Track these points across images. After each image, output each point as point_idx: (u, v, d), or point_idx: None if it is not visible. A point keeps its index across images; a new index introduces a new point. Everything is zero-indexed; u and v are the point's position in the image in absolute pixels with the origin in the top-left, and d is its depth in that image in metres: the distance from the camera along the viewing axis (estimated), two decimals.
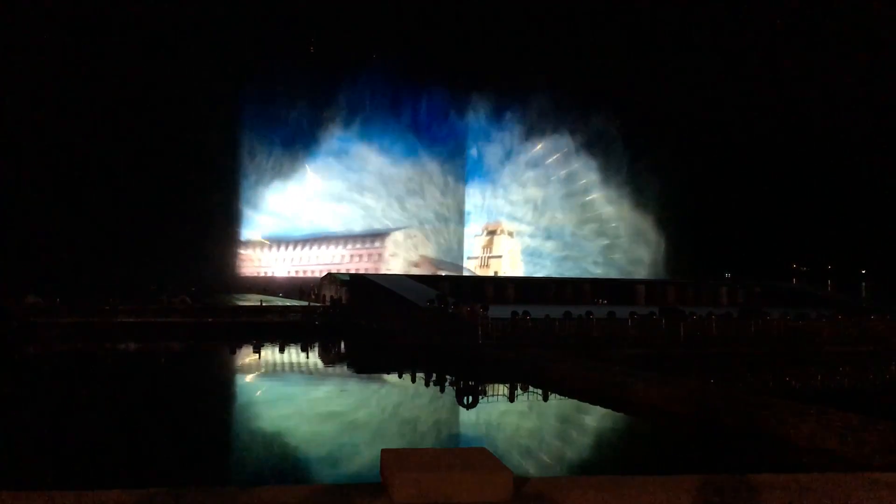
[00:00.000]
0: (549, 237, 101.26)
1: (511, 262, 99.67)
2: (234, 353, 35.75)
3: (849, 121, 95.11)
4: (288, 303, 54.99)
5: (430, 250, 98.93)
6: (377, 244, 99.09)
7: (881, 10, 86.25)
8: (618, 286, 66.58)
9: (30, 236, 75.25)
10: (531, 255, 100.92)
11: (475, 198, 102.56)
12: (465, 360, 29.31)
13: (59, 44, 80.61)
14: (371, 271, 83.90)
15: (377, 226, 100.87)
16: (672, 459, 14.97)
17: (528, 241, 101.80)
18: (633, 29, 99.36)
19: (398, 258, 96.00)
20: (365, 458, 14.31)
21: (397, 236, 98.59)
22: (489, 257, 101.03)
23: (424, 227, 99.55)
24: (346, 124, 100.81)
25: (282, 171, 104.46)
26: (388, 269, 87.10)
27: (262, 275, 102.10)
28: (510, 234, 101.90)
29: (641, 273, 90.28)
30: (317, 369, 31.92)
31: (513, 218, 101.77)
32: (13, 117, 76.06)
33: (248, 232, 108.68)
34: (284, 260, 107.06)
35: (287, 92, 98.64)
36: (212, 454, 15.36)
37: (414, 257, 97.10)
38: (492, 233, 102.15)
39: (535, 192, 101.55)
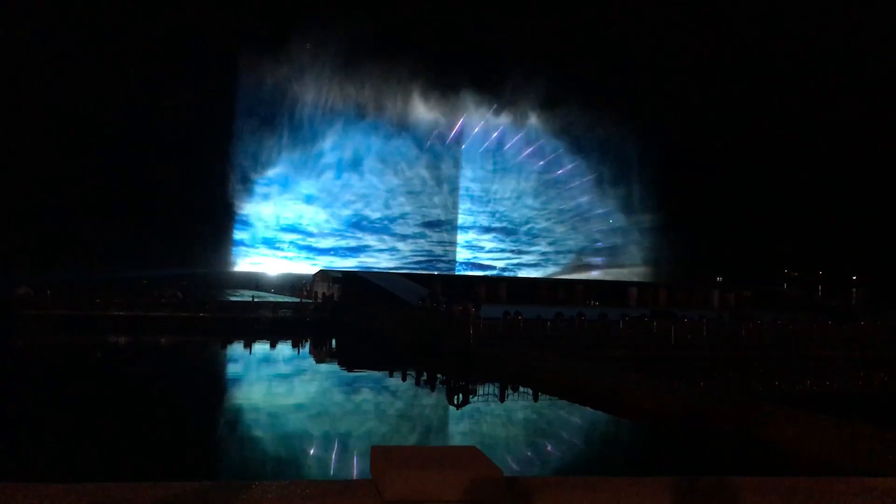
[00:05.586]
0: (531, 236, 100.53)
1: None
2: (224, 348, 35.64)
3: (843, 128, 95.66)
4: (280, 299, 54.83)
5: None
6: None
7: (877, 14, 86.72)
8: (610, 288, 66.75)
9: (21, 229, 74.89)
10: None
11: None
12: (457, 359, 29.31)
13: (48, 39, 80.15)
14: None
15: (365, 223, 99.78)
16: (661, 460, 15.03)
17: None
18: (625, 26, 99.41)
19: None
20: (355, 455, 14.30)
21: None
22: None
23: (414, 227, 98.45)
24: (334, 123, 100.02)
25: (273, 168, 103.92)
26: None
27: (254, 270, 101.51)
28: None
29: (630, 276, 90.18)
30: (307, 366, 31.85)
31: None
32: (5, 112, 75.64)
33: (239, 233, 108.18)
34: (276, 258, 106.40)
35: (278, 88, 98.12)
36: (199, 450, 15.31)
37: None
38: None
39: (518, 189, 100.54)
